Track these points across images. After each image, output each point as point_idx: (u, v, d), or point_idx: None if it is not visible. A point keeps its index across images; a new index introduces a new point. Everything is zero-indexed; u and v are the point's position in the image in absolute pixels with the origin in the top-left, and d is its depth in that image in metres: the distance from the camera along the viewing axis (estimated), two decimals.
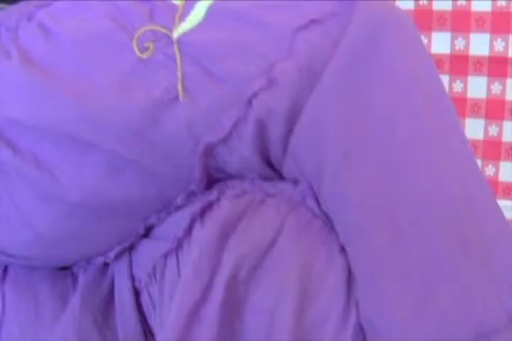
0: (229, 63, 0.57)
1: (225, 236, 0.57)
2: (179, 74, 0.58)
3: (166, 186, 0.61)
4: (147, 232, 0.64)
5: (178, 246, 0.60)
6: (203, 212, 0.60)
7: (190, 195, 0.61)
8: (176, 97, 0.57)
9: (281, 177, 0.61)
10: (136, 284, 0.64)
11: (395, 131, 0.55)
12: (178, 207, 0.62)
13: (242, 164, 0.59)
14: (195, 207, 0.60)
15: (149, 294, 0.63)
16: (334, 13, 0.57)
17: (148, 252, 0.63)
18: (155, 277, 0.62)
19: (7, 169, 0.61)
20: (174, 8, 0.61)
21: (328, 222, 0.58)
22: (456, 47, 1.10)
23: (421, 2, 1.10)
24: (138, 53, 0.59)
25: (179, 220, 0.61)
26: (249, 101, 0.57)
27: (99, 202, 0.61)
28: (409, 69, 0.57)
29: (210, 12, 0.60)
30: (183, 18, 0.60)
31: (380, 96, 0.55)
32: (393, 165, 0.55)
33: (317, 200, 0.58)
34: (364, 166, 0.55)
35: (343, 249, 0.57)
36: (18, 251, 0.65)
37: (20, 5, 0.69)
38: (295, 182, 0.60)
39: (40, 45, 0.62)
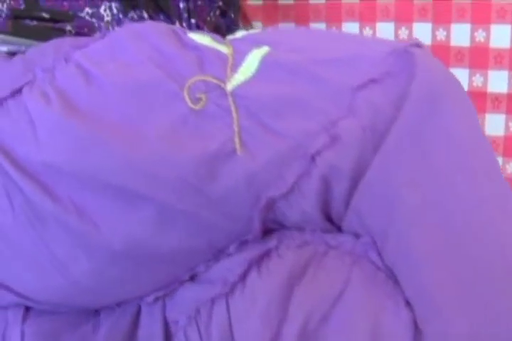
0: (287, 118, 0.57)
1: (290, 286, 0.57)
2: (235, 127, 0.57)
3: (218, 237, 0.60)
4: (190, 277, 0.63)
5: (230, 291, 0.60)
6: (261, 260, 0.60)
7: (243, 244, 0.60)
8: (233, 151, 0.57)
9: (338, 229, 0.61)
10: (169, 327, 0.63)
11: (458, 192, 0.56)
12: (229, 255, 0.61)
13: (302, 218, 0.59)
14: (252, 254, 0.60)
15: (186, 336, 0.62)
16: (391, 72, 0.58)
17: (190, 295, 0.62)
18: (196, 320, 0.61)
19: (44, 216, 0.59)
20: (223, 56, 0.61)
21: (392, 275, 0.58)
22: (474, 84, 1.08)
23: (438, 38, 1.08)
24: (190, 104, 0.58)
25: (230, 266, 0.60)
26: (313, 158, 0.56)
27: (145, 252, 0.59)
28: (467, 129, 0.58)
29: (263, 64, 0.59)
30: (234, 68, 0.59)
31: (443, 158, 0.56)
32: (457, 226, 0.55)
33: (379, 254, 0.58)
34: (429, 226, 0.55)
35: (408, 303, 0.56)
36: (46, 297, 0.63)
37: (53, 43, 0.67)
38: (355, 235, 0.60)
39: (81, 89, 0.60)
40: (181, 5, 0.76)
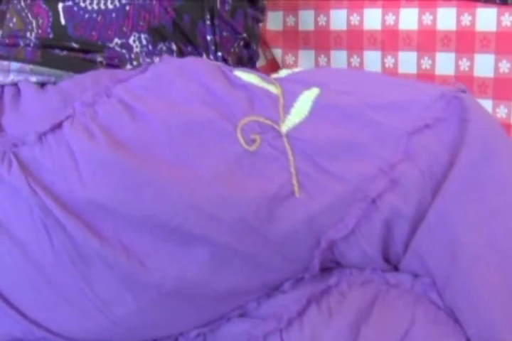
0: (343, 161, 0.57)
1: (357, 325, 0.57)
2: (292, 169, 0.57)
3: (273, 276, 0.60)
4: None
5: (285, 327, 0.59)
6: (320, 297, 0.59)
7: (298, 281, 0.60)
8: (292, 193, 0.57)
9: (394, 268, 0.62)
10: None
11: None
12: (283, 291, 0.61)
13: (362, 258, 0.60)
14: (310, 291, 0.60)
15: None
16: (442, 117, 0.59)
17: (237, 331, 0.62)
18: None
19: (88, 255, 0.58)
20: (273, 96, 0.61)
21: (452, 314, 0.58)
22: (498, 115, 1.06)
23: (461, 68, 1.07)
24: (244, 145, 0.58)
25: (284, 302, 0.60)
26: (374, 201, 0.57)
27: (197, 292, 0.58)
28: None
29: (316, 106, 0.60)
30: (286, 110, 0.59)
31: (499, 201, 0.57)
32: None
33: (439, 294, 0.59)
34: (491, 267, 0.56)
35: None
36: (81, 335, 0.62)
37: (91, 76, 0.66)
38: (412, 274, 0.60)
39: (126, 125, 0.59)
40: (208, 37, 0.76)
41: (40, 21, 0.72)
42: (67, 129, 0.61)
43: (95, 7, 0.71)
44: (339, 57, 1.15)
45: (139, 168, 0.57)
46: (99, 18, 0.71)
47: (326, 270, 0.61)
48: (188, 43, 0.75)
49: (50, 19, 0.71)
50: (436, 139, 0.58)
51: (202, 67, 0.64)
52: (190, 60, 0.67)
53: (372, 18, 1.10)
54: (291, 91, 0.61)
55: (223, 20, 0.77)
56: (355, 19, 1.12)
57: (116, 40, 0.71)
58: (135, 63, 0.70)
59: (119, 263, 0.57)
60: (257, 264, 0.58)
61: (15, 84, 0.68)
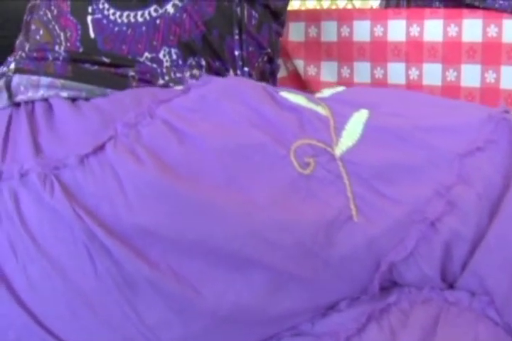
0: (399, 184, 0.58)
1: None
2: (349, 193, 0.57)
3: (330, 297, 0.59)
4: None
5: None
6: (381, 315, 0.59)
7: (354, 300, 0.60)
8: (350, 217, 0.57)
9: (449, 286, 0.62)
10: None
11: None
12: (338, 310, 0.60)
13: (419, 278, 0.60)
14: (370, 309, 0.59)
15: None
16: (493, 140, 0.59)
17: None
18: None
19: (135, 280, 0.57)
20: (323, 118, 0.60)
21: (510, 331, 0.58)
22: None
23: (487, 80, 1.05)
24: (298, 168, 0.57)
25: (341, 321, 0.59)
26: (432, 224, 0.57)
27: (250, 316, 0.57)
28: None
29: (367, 129, 0.60)
30: (338, 132, 0.59)
31: None
32: None
33: (497, 311, 0.59)
34: None
35: None
36: None
37: (130, 95, 0.65)
38: (469, 292, 0.60)
39: (172, 147, 0.59)
40: (236, 52, 0.75)
41: (69, 34, 0.71)
42: (111, 151, 0.59)
43: (125, 20, 0.70)
44: (362, 69, 1.13)
45: (191, 192, 0.56)
46: (129, 32, 0.70)
47: (382, 289, 0.61)
48: (216, 58, 0.74)
49: (79, 32, 0.70)
50: (489, 161, 0.58)
51: (247, 87, 0.64)
52: (235, 80, 0.67)
53: (397, 29, 1.08)
54: (341, 112, 0.61)
55: (250, 35, 0.76)
56: (378, 30, 1.10)
57: (147, 54, 0.70)
58: (167, 78, 0.69)
59: (169, 288, 0.56)
60: (313, 287, 0.58)
61: (45, 100, 0.67)
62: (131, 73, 0.69)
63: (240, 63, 0.75)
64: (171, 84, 0.69)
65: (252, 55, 0.77)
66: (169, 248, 0.56)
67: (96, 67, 0.69)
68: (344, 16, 1.15)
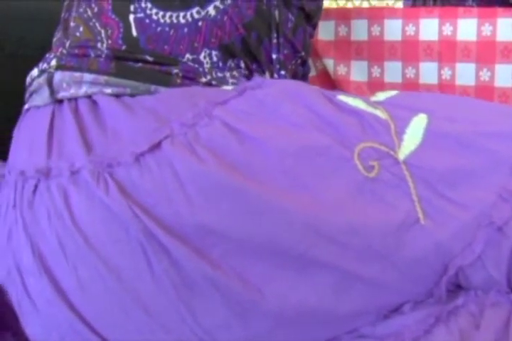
0: (463, 189, 0.58)
1: None
2: (414, 197, 0.57)
3: (395, 299, 0.59)
4: None
5: None
6: (448, 317, 0.59)
7: (417, 303, 0.60)
8: (417, 220, 0.57)
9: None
10: None
11: None
12: (401, 313, 0.60)
13: (485, 282, 0.60)
14: (437, 310, 0.59)
15: None
16: None
17: None
18: None
19: (195, 281, 0.56)
20: (383, 122, 0.60)
21: None
22: None
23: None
24: (363, 172, 0.58)
25: (405, 322, 0.59)
26: (500, 228, 0.57)
27: (313, 318, 0.57)
28: None
29: (428, 133, 0.60)
30: (399, 136, 0.59)
31: None
32: None
33: None
34: None
35: None
36: None
37: (183, 95, 0.64)
38: None
39: (234, 148, 0.58)
40: (274, 56, 0.75)
41: (110, 32, 0.70)
42: (168, 148, 0.59)
43: (167, 20, 0.70)
44: (393, 69, 1.11)
45: (259, 192, 0.55)
46: (171, 32, 0.70)
47: (447, 291, 0.61)
48: (253, 60, 0.74)
49: (121, 30, 0.70)
50: None
51: (306, 90, 0.63)
52: (291, 83, 0.66)
53: (429, 29, 1.06)
54: (400, 116, 0.61)
55: (286, 38, 0.76)
56: (410, 29, 1.08)
57: (188, 56, 0.70)
58: (208, 77, 0.69)
59: (232, 289, 0.55)
60: (380, 288, 0.57)
61: (88, 96, 0.67)
62: (175, 70, 0.68)
63: (277, 66, 0.75)
64: (213, 83, 0.69)
65: (287, 58, 0.77)
66: (233, 248, 0.55)
67: (140, 65, 0.68)
68: (375, 15, 1.13)
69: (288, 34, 0.76)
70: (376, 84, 1.15)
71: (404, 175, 0.57)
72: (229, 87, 0.68)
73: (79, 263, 0.58)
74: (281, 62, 0.76)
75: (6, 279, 0.64)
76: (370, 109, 0.61)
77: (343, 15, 1.17)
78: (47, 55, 0.74)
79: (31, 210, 0.61)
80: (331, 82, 1.20)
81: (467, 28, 1.03)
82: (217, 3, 0.71)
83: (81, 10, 0.73)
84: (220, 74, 0.70)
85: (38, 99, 0.69)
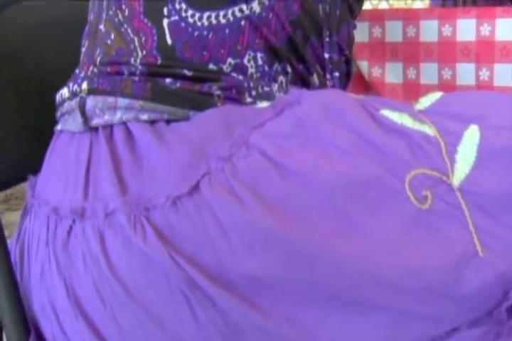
0: None
1: None
2: (472, 227, 0.53)
3: (452, 325, 0.57)
4: None
5: None
6: (509, 333, 0.56)
7: (475, 321, 0.57)
8: (476, 253, 0.54)
9: None
10: None
11: None
12: (458, 331, 0.57)
13: None
14: (496, 328, 0.56)
15: None
16: None
17: None
18: None
19: (242, 329, 0.54)
20: (433, 140, 0.56)
21: None
22: None
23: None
24: (417, 203, 0.53)
25: (463, 339, 0.56)
26: None
27: None
28: None
29: (482, 150, 0.56)
30: (451, 155, 0.55)
31: None
32: None
33: None
34: None
35: None
36: None
37: (219, 120, 0.59)
38: None
39: (276, 185, 0.54)
40: (326, 55, 0.70)
41: (143, 39, 0.65)
42: (207, 190, 0.55)
43: (205, 23, 0.64)
44: (429, 70, 1.09)
45: (305, 238, 0.52)
46: (210, 36, 0.64)
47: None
48: (300, 61, 0.68)
49: (155, 38, 0.64)
50: None
51: (347, 107, 0.58)
52: (330, 97, 0.61)
53: (466, 29, 1.04)
54: (449, 130, 0.56)
55: (331, 35, 0.71)
56: (447, 30, 1.06)
57: (230, 60, 0.65)
58: (254, 93, 0.64)
59: (286, 336, 0.53)
60: (437, 322, 0.55)
61: (123, 123, 0.62)
62: (217, 92, 0.63)
63: (330, 67, 0.70)
64: (258, 102, 0.64)
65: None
66: (283, 296, 0.53)
67: (178, 85, 0.63)
68: (410, 16, 1.11)
69: (333, 31, 0.71)
70: (411, 86, 1.13)
71: (459, 204, 0.54)
72: (266, 104, 0.63)
73: (118, 310, 0.56)
74: (334, 63, 0.71)
75: (40, 314, 0.62)
76: (417, 126, 0.57)
77: (377, 17, 1.15)
78: (76, 72, 0.69)
79: (65, 251, 0.59)
80: (365, 84, 1.18)
81: (506, 27, 1.00)
82: None
83: (111, 12, 0.67)
84: (266, 89, 0.65)
85: (71, 123, 0.65)
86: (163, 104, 0.61)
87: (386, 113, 0.58)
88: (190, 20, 0.64)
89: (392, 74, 1.14)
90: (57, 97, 0.68)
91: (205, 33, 0.64)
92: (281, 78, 0.67)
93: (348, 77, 0.78)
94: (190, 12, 0.64)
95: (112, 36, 0.67)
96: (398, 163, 0.54)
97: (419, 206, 0.53)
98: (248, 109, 0.62)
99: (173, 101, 0.62)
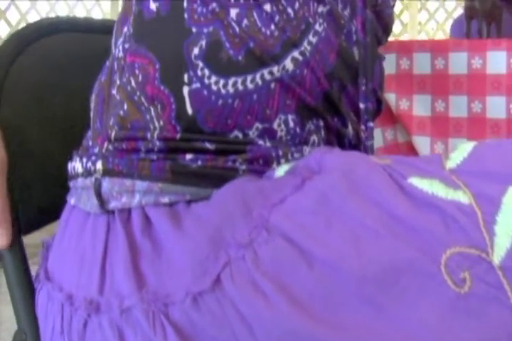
0: None
1: None
2: None
3: None
4: None
5: None
6: None
7: None
8: None
9: None
10: None
11: None
12: None
13: None
14: None
15: None
16: None
17: None
18: None
19: None
20: (468, 211, 0.51)
21: None
22: None
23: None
24: (454, 288, 0.49)
25: None
26: None
27: None
28: None
29: None
30: (488, 226, 0.50)
31: None
32: None
33: None
34: None
35: None
36: None
37: (236, 198, 0.55)
38: None
39: (302, 275, 0.50)
40: (362, 105, 0.64)
41: (159, 108, 0.59)
42: (229, 284, 0.51)
43: (231, 90, 0.58)
44: (459, 103, 1.07)
45: (336, 337, 0.48)
46: (236, 103, 0.58)
47: None
48: (334, 114, 0.63)
49: (173, 107, 0.58)
50: None
51: (372, 177, 0.53)
52: (354, 164, 0.55)
53: (496, 61, 1.02)
54: (486, 196, 0.51)
55: (367, 83, 0.65)
56: (476, 62, 1.04)
57: (257, 125, 0.59)
58: (283, 161, 0.59)
59: None
60: None
61: (142, 207, 0.58)
62: (242, 167, 0.58)
63: (365, 117, 0.65)
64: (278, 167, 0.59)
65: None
66: None
67: (199, 163, 0.57)
68: (438, 48, 1.09)
69: (369, 75, 0.64)
70: (440, 119, 1.11)
71: (501, 284, 0.49)
72: (286, 167, 0.58)
73: None
74: (370, 112, 0.65)
75: None
76: (450, 194, 0.52)
77: (405, 48, 1.13)
78: (89, 143, 0.63)
79: None
80: (393, 117, 1.16)
81: None
82: (296, 54, 0.59)
83: (124, 79, 0.61)
84: (296, 155, 0.60)
85: (85, 202, 0.61)
86: (185, 185, 0.57)
87: (415, 181, 0.53)
88: (214, 87, 0.58)
89: (420, 106, 1.12)
90: (69, 169, 0.64)
91: (230, 100, 0.58)
92: (313, 138, 0.62)
93: (377, 116, 0.72)
94: (213, 79, 0.58)
95: (125, 106, 0.61)
96: (432, 243, 0.50)
97: (457, 290, 0.49)
98: (266, 181, 0.57)
99: (195, 181, 0.57)
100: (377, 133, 1.14)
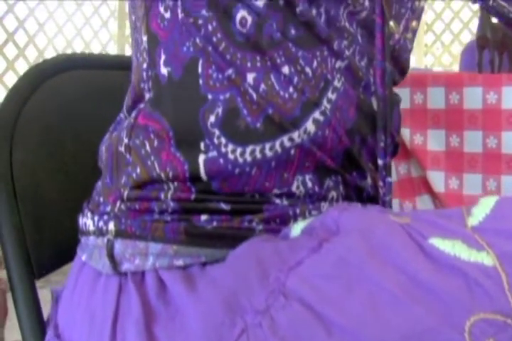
0: None
1: None
2: None
3: None
4: None
5: None
6: None
7: None
8: None
9: None
10: None
11: None
12: None
13: None
14: None
15: None
16: None
17: None
18: None
19: None
20: (492, 274, 0.49)
21: None
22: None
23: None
24: None
25: None
26: None
27: None
28: None
29: None
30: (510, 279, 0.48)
31: None
32: None
33: None
34: None
35: None
36: None
37: (250, 262, 0.54)
38: None
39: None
40: (380, 161, 0.62)
41: (171, 174, 0.57)
42: None
43: (248, 158, 0.56)
44: (474, 138, 1.06)
45: None
46: (253, 172, 0.57)
47: None
48: (353, 169, 0.61)
49: (186, 174, 0.57)
50: None
51: (391, 238, 0.51)
52: (373, 223, 0.53)
53: (511, 96, 1.01)
54: (511, 257, 0.49)
55: (386, 138, 0.62)
56: (491, 97, 1.03)
57: (275, 191, 0.58)
58: (300, 219, 0.57)
59: None
60: None
61: (156, 270, 0.56)
62: (259, 227, 0.56)
63: (384, 173, 0.63)
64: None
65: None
66: None
67: (214, 224, 0.56)
68: (453, 82, 1.08)
69: (389, 127, 0.62)
70: (455, 154, 1.10)
71: None
72: (302, 224, 0.57)
73: None
74: (388, 167, 0.63)
75: None
76: (473, 256, 0.50)
77: (419, 83, 1.13)
78: (101, 199, 0.61)
79: None
80: (407, 152, 1.15)
81: None
82: (317, 115, 0.57)
83: (137, 142, 0.59)
84: (314, 213, 0.58)
85: (97, 261, 0.59)
86: (199, 246, 0.56)
87: (436, 242, 0.51)
88: (231, 156, 0.57)
89: (434, 141, 1.11)
90: (81, 224, 0.62)
91: (247, 169, 0.57)
92: (332, 194, 0.60)
93: (393, 157, 0.70)
94: (230, 147, 0.57)
95: (138, 170, 0.59)
96: (455, 309, 0.48)
97: None
98: (282, 242, 0.55)
99: (210, 243, 0.56)
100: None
